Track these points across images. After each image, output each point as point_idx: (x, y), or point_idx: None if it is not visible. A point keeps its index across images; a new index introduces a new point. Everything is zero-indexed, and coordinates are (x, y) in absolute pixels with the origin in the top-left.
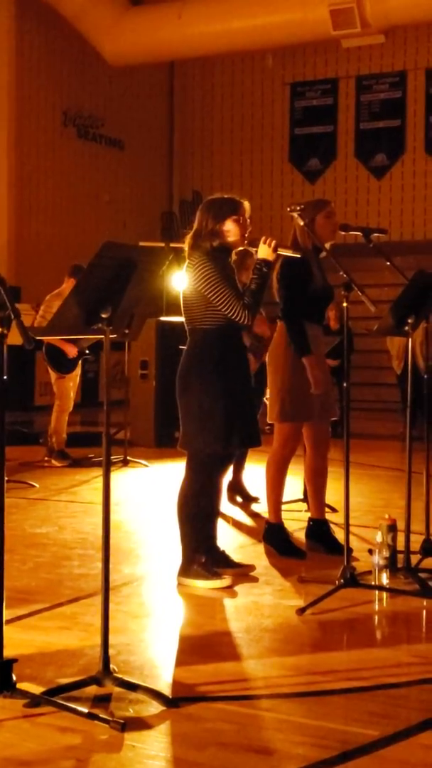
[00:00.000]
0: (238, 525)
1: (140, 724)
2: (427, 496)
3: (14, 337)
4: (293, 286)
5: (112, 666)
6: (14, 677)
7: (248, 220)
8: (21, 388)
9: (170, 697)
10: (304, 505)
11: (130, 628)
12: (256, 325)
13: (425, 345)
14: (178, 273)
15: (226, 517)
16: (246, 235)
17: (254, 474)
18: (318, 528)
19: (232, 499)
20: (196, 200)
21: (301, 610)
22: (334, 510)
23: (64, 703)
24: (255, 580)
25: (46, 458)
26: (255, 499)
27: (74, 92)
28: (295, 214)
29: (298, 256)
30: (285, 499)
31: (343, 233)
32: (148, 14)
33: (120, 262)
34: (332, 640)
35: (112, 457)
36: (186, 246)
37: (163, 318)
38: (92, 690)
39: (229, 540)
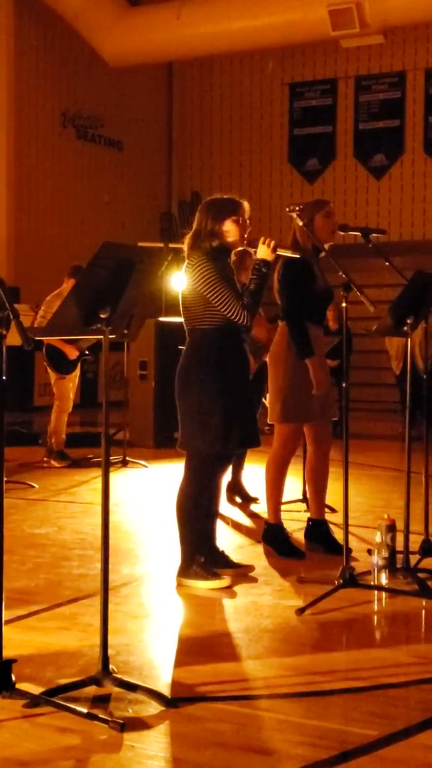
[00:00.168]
0: (237, 525)
1: (139, 724)
2: (426, 496)
3: (13, 338)
4: (294, 287)
5: (111, 666)
6: (13, 677)
7: (247, 221)
8: (20, 388)
9: (169, 697)
10: (303, 506)
11: (129, 628)
12: (254, 328)
13: (424, 345)
14: (177, 273)
15: (225, 518)
16: (245, 236)
17: (253, 474)
18: (317, 528)
19: (231, 500)
20: (195, 201)
21: (301, 611)
22: (333, 510)
23: (64, 703)
24: (254, 580)
25: (45, 459)
26: (254, 500)
27: (73, 93)
28: (294, 215)
29: (297, 256)
30: (284, 499)
31: (342, 233)
32: (146, 15)
33: (119, 262)
34: (331, 640)
35: (111, 458)
36: (185, 246)
37: (162, 318)
38: (91, 690)
39: (228, 540)
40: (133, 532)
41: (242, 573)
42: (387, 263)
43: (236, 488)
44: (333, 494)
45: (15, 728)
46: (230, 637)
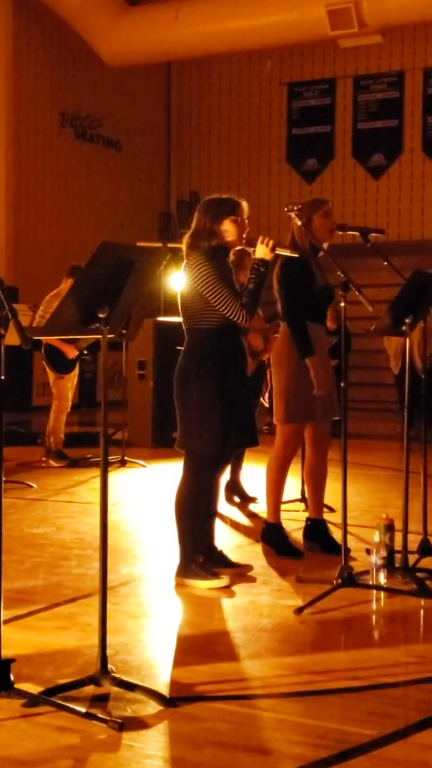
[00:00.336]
0: (235, 525)
1: (138, 723)
2: (425, 496)
3: (12, 338)
4: (293, 287)
5: (110, 666)
6: (12, 677)
7: (246, 220)
8: (19, 388)
9: (168, 696)
10: (301, 505)
11: (127, 628)
12: (251, 336)
13: (423, 345)
14: (175, 273)
15: (223, 517)
16: (244, 235)
17: (252, 474)
18: (315, 528)
19: (229, 499)
20: (193, 200)
21: (299, 610)
22: (331, 510)
23: (62, 702)
24: (253, 580)
25: (43, 459)
26: (253, 499)
27: (71, 93)
28: (293, 214)
29: (296, 255)
30: (283, 499)
31: (340, 233)
32: (145, 14)
33: (117, 262)
34: (330, 639)
35: (109, 458)
36: (184, 246)
37: (160, 318)
38: (90, 690)
39: (226, 540)
40: (131, 532)
41: (241, 572)
42: (385, 263)
43: (235, 488)
44: (331, 494)
45: (14, 728)
46: (229, 637)
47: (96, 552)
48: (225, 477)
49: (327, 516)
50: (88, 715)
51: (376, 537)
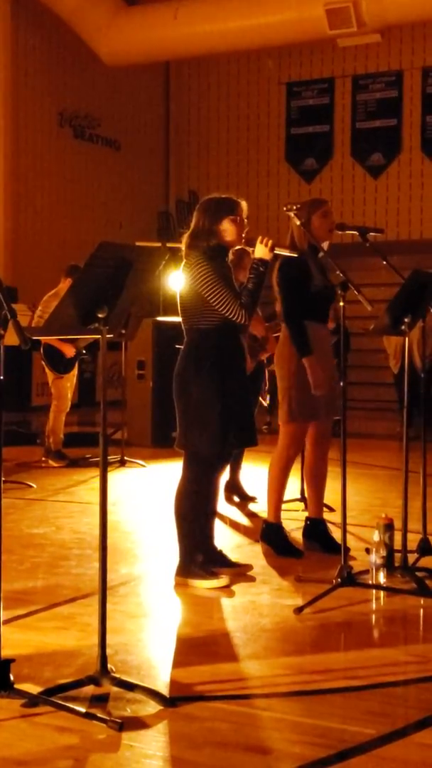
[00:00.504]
0: (235, 525)
1: (138, 723)
2: (424, 495)
3: (11, 338)
4: (292, 287)
5: (109, 666)
6: (12, 677)
7: (245, 220)
8: (18, 388)
9: (168, 696)
10: (301, 505)
11: (127, 627)
12: (252, 325)
13: (422, 344)
14: (175, 273)
15: (223, 517)
16: (243, 235)
17: (251, 473)
18: (315, 527)
19: (229, 499)
20: (192, 200)
21: (299, 610)
22: (331, 509)
23: (62, 702)
24: (252, 579)
25: (43, 459)
26: (252, 499)
27: (70, 92)
28: (292, 214)
29: (295, 255)
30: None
31: (339, 232)
32: (143, 14)
33: (116, 262)
34: (330, 639)
35: (109, 458)
36: (183, 246)
37: (159, 318)
38: (90, 690)
39: (226, 539)
40: (131, 532)
41: (240, 572)
42: (384, 262)
43: (234, 487)
44: (331, 493)
45: (13, 728)
46: (228, 637)
47: (95, 552)
48: (224, 477)
49: (326, 515)
50: (87, 715)
51: (376, 536)
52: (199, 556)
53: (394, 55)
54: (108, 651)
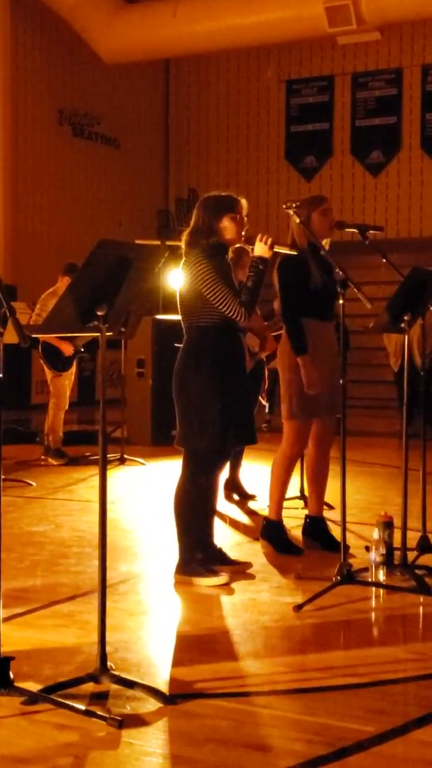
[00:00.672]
0: (234, 523)
1: (137, 721)
2: (424, 493)
3: (10, 336)
4: (290, 285)
5: (109, 663)
6: (11, 675)
7: (245, 218)
8: (18, 386)
9: (167, 694)
10: (300, 503)
11: (127, 625)
12: (251, 323)
13: (422, 342)
14: (174, 271)
15: (222, 515)
16: (243, 233)
17: (251, 471)
18: (315, 525)
19: (228, 497)
20: (192, 198)
21: (298, 607)
22: (331, 507)
23: (62, 700)
24: (252, 577)
25: (42, 457)
26: (252, 497)
27: (69, 90)
28: (291, 212)
29: (295, 253)
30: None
31: (339, 230)
32: (143, 12)
33: (116, 259)
34: (329, 636)
35: (108, 456)
36: (183, 244)
37: (159, 316)
38: (89, 687)
39: (225, 537)
40: (130, 530)
41: (240, 570)
42: (384, 260)
43: (234, 485)
44: (331, 491)
45: (13, 725)
46: (228, 634)
47: (95, 550)
48: (224, 474)
49: (326, 513)
50: (87, 713)
51: (376, 534)
52: (198, 553)
53: (394, 53)
54: (108, 648)
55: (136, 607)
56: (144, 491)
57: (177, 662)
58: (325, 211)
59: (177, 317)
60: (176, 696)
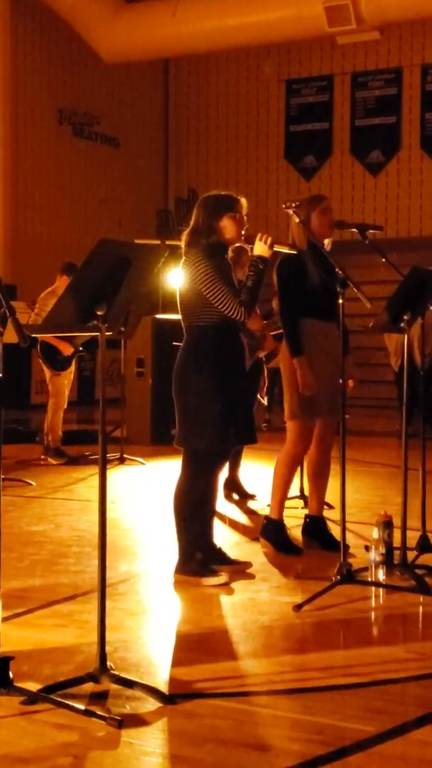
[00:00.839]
0: (234, 522)
1: (137, 720)
2: (423, 492)
3: (10, 336)
4: (288, 284)
5: (108, 663)
6: (11, 674)
7: (245, 217)
8: (17, 386)
9: (167, 693)
10: (300, 502)
11: (126, 625)
12: (250, 322)
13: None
14: (174, 270)
15: (222, 515)
16: (243, 232)
17: (251, 471)
18: (315, 525)
19: (228, 497)
20: (191, 197)
21: (298, 607)
22: (330, 507)
23: (61, 700)
24: (252, 576)
25: (42, 456)
26: (251, 497)
27: (69, 90)
28: (291, 211)
29: (294, 252)
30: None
31: (339, 230)
32: (142, 11)
33: (115, 259)
34: (329, 636)
35: (108, 455)
36: (182, 243)
37: (159, 316)
38: (89, 687)
39: (225, 537)
40: (130, 529)
41: (240, 569)
42: (384, 259)
43: (233, 485)
44: (330, 491)
45: (13, 725)
46: (228, 634)
47: (95, 549)
48: (224, 474)
49: (326, 513)
50: (87, 713)
51: (375, 534)
52: (198, 553)
53: (394, 53)
54: (107, 648)
55: (135, 606)
56: (144, 491)
57: (176, 662)
58: (324, 210)
59: (177, 317)
60: (176, 696)
